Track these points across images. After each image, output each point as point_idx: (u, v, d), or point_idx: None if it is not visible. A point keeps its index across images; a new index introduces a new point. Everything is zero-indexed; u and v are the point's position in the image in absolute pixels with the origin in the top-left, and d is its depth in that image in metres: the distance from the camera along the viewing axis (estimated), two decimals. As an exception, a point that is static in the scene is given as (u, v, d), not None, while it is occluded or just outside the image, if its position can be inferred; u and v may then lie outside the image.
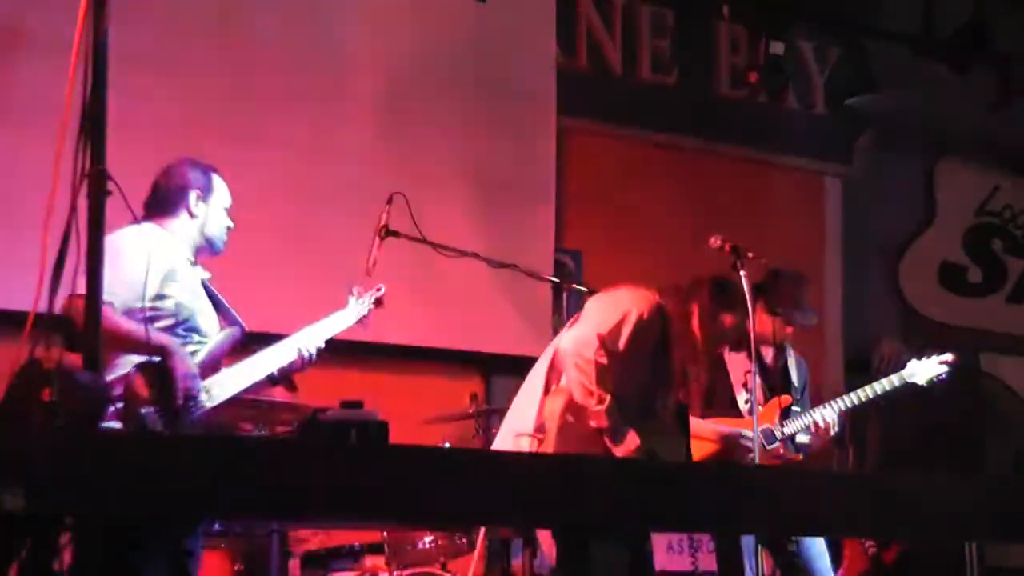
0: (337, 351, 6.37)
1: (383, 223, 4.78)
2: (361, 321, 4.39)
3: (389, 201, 4.80)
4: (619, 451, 4.39)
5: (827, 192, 8.41)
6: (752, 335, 4.60)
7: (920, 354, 5.40)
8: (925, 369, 5.36)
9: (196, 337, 3.82)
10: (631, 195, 7.61)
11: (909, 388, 5.36)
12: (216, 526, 4.81)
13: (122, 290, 3.61)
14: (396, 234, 4.79)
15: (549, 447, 4.42)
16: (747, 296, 4.57)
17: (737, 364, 5.23)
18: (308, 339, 4.12)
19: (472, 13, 6.94)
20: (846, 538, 6.11)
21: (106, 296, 3.54)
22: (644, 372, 4.53)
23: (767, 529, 4.25)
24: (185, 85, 6.20)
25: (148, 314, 3.59)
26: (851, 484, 3.17)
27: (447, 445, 5.11)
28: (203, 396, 3.73)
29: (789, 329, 5.34)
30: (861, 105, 7.91)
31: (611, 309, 4.55)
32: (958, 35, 7.10)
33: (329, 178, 6.54)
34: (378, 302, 4.44)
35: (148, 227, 3.81)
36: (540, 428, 4.47)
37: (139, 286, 3.61)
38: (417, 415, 5.41)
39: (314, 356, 4.12)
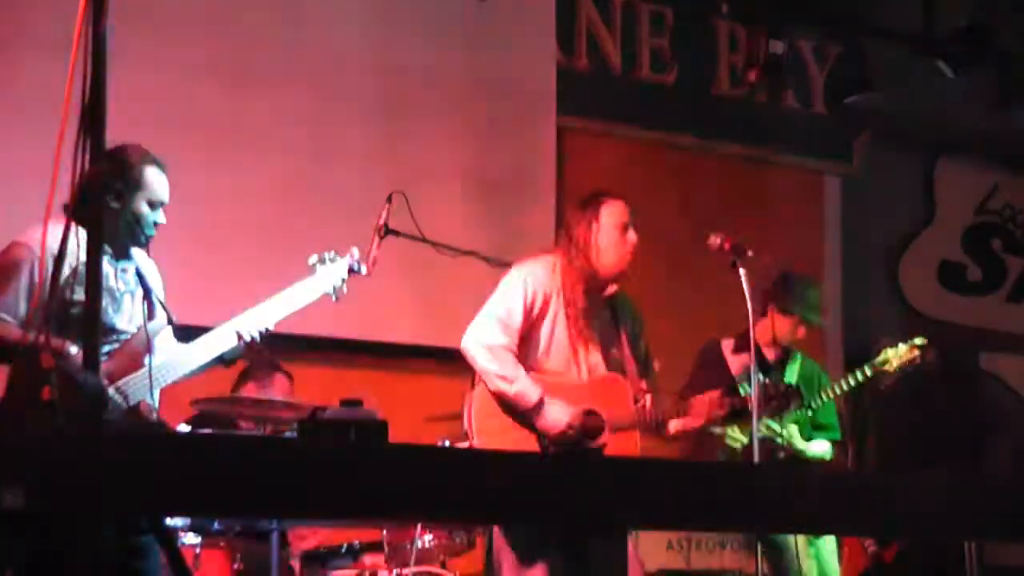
0: (336, 350, 6.41)
1: (382, 222, 4.77)
2: (336, 293, 4.13)
3: (389, 200, 4.79)
4: (548, 431, 4.28)
5: (827, 191, 8.40)
6: (752, 332, 4.58)
7: (892, 341, 5.33)
8: (896, 355, 5.24)
9: (112, 336, 3.70)
10: (631, 194, 7.58)
11: (880, 377, 5.27)
12: (216, 525, 4.81)
13: (22, 305, 3.55)
14: (396, 233, 4.79)
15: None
16: (746, 294, 4.56)
17: (738, 363, 5.24)
18: (253, 319, 3.92)
19: (472, 13, 6.93)
20: (846, 537, 6.11)
21: (7, 314, 3.52)
22: (555, 336, 4.43)
23: (767, 528, 4.25)
24: (181, 84, 6.19)
25: (55, 323, 3.31)
26: (851, 484, 3.17)
27: (446, 444, 5.11)
28: (115, 395, 3.61)
29: (801, 332, 5.34)
30: (861, 104, 7.90)
31: (499, 290, 4.50)
32: (958, 35, 7.10)
33: (328, 177, 6.54)
34: (352, 270, 4.19)
35: (53, 230, 3.18)
36: (466, 434, 4.43)
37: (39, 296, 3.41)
38: (416, 414, 5.40)
39: (257, 339, 3.90)
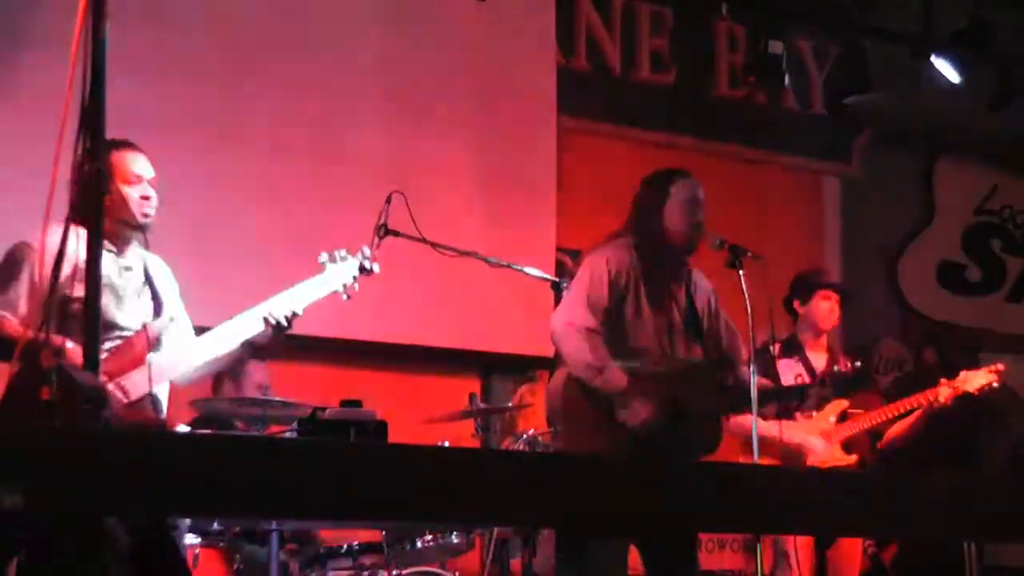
0: (337, 350, 6.41)
1: (382, 222, 4.77)
2: (346, 291, 4.07)
3: (388, 200, 4.79)
4: (631, 423, 4.26)
5: (826, 192, 8.41)
6: (751, 332, 4.57)
7: (970, 364, 5.68)
8: (976, 378, 5.60)
9: (115, 332, 3.70)
10: (630, 195, 7.58)
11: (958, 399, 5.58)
12: (216, 525, 4.81)
13: (22, 302, 3.57)
14: (395, 233, 4.78)
15: (562, 437, 4.36)
16: (745, 295, 4.55)
17: (788, 368, 5.30)
18: (278, 306, 3.89)
19: (472, 13, 6.93)
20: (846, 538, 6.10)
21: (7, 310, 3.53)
22: (644, 315, 4.44)
23: (767, 529, 4.25)
24: (181, 85, 6.19)
25: (56, 318, 3.29)
26: (850, 483, 3.17)
27: (446, 444, 5.11)
28: (114, 391, 3.58)
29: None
30: (860, 104, 7.90)
31: (581, 274, 4.52)
32: (958, 35, 7.10)
33: (328, 177, 6.54)
34: (363, 269, 4.11)
35: (55, 229, 3.04)
36: (549, 421, 4.43)
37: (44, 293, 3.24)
38: (416, 415, 5.40)
39: (285, 324, 3.87)
